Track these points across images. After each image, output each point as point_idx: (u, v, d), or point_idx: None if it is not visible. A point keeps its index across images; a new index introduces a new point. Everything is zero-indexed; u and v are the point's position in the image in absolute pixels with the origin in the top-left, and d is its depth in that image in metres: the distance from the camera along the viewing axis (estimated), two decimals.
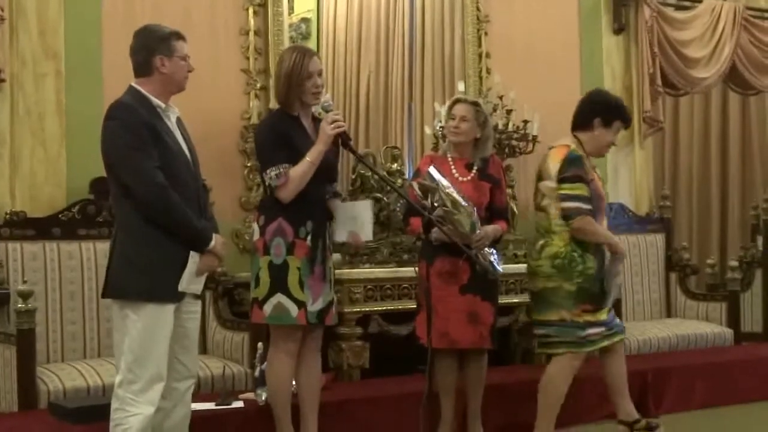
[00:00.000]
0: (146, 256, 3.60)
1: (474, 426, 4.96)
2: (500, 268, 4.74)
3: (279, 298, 4.22)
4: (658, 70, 7.78)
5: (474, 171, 4.85)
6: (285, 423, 4.34)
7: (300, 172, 4.18)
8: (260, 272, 4.27)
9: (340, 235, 4.37)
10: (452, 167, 4.85)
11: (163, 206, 3.59)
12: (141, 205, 3.59)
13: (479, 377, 4.93)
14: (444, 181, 4.55)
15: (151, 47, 3.72)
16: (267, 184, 4.19)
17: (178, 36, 3.78)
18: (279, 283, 4.22)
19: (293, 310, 4.20)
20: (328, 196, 4.39)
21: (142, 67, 3.73)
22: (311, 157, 4.19)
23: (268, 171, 4.17)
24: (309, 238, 4.24)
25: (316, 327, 4.35)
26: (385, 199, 6.17)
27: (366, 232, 4.35)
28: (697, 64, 8.02)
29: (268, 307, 4.24)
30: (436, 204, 4.51)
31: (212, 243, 3.75)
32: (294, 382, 4.39)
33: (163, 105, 3.72)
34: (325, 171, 4.28)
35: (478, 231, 4.60)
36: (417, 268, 4.85)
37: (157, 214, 3.59)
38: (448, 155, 4.92)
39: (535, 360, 6.30)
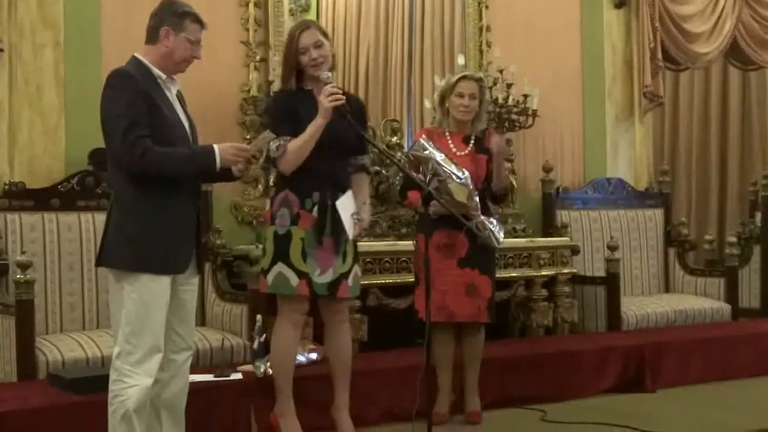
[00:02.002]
0: (140, 227, 3.58)
1: (471, 399, 4.98)
2: (501, 237, 4.73)
3: (280, 267, 4.23)
4: (659, 44, 7.76)
5: (471, 145, 4.86)
6: (286, 393, 4.36)
7: (296, 144, 4.19)
8: (266, 242, 4.32)
9: (350, 233, 4.31)
10: (450, 142, 4.87)
11: (149, 165, 3.53)
12: (132, 173, 3.58)
13: (476, 351, 4.95)
14: (435, 151, 4.55)
15: (163, 17, 3.70)
16: (269, 155, 4.19)
17: (195, 19, 3.73)
18: (281, 253, 4.24)
19: (293, 279, 4.21)
20: (351, 170, 4.40)
21: (150, 33, 3.72)
22: (310, 130, 4.19)
23: (271, 142, 4.18)
24: (315, 209, 4.24)
25: (332, 300, 4.36)
26: (384, 172, 6.17)
27: (348, 229, 4.28)
28: (698, 39, 8.00)
29: (270, 276, 4.26)
30: (429, 175, 4.52)
31: (215, 151, 3.66)
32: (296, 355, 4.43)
33: (163, 76, 3.70)
34: (336, 144, 4.26)
35: (474, 199, 4.61)
36: (415, 242, 4.86)
37: (149, 174, 3.56)
38: (446, 130, 4.92)
39: (533, 334, 6.33)
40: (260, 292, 4.48)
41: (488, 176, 4.86)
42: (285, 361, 4.35)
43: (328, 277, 4.27)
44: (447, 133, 4.90)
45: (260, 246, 5.35)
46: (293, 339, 4.34)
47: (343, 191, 4.31)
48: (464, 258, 4.75)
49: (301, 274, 4.22)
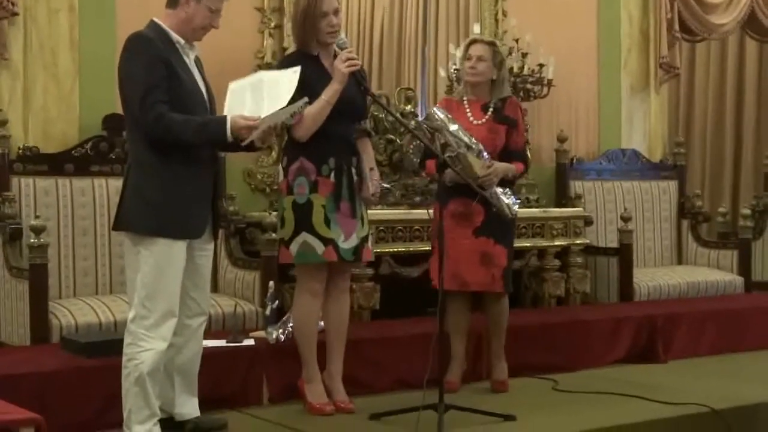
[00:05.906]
0: (158, 191, 3.60)
1: (497, 366, 4.98)
2: (516, 208, 4.72)
3: (305, 236, 4.25)
4: (676, 15, 7.69)
5: (489, 113, 4.83)
6: (309, 361, 4.40)
7: (314, 111, 4.19)
8: (285, 213, 4.31)
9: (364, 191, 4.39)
10: (467, 111, 4.84)
11: (163, 131, 3.55)
12: (149, 137, 3.58)
13: (500, 320, 4.94)
14: (449, 121, 4.53)
15: None
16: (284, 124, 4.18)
17: None
18: (304, 222, 4.25)
19: (319, 248, 4.24)
20: (356, 135, 4.41)
21: None
22: (326, 96, 4.21)
23: (281, 110, 4.16)
24: (332, 175, 4.26)
25: (344, 265, 4.39)
26: (398, 140, 6.16)
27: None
28: (716, 10, 7.94)
29: (294, 247, 4.27)
30: (441, 146, 4.51)
31: (227, 123, 3.67)
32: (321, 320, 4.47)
33: (182, 41, 3.70)
34: (348, 108, 4.29)
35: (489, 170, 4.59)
36: (430, 210, 4.85)
37: (164, 140, 3.57)
38: (464, 98, 4.90)
39: (545, 304, 6.33)
40: (282, 263, 4.50)
41: (506, 146, 4.83)
42: (306, 329, 4.38)
43: (352, 242, 4.30)
44: (465, 102, 4.88)
45: (271, 213, 5.36)
46: (313, 308, 4.37)
47: (356, 155, 4.35)
48: (480, 227, 4.73)
49: (326, 241, 4.24)
